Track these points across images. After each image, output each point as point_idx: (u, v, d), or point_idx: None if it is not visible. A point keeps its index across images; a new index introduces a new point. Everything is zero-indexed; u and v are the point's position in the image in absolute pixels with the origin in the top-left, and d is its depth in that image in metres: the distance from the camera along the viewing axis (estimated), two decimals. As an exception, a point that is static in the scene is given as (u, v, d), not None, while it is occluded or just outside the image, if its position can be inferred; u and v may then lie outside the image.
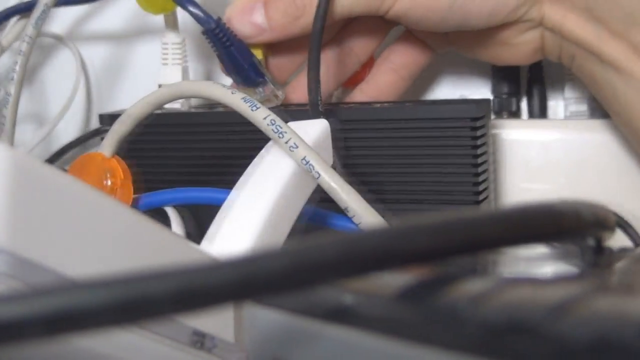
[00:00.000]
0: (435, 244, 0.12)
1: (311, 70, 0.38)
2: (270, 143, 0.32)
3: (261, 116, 0.31)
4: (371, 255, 0.11)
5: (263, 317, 0.16)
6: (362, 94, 0.47)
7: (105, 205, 0.20)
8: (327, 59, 0.45)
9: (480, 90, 0.50)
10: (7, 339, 0.11)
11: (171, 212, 0.37)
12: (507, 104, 0.48)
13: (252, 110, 0.31)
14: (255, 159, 0.32)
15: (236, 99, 0.32)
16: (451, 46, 0.46)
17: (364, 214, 0.30)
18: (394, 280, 0.14)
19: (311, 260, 0.11)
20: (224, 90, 0.32)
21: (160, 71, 0.46)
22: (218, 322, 0.23)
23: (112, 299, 0.10)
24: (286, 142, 0.30)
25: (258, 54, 0.43)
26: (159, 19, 0.47)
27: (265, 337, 0.16)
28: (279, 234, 0.30)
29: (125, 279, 0.11)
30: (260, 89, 0.42)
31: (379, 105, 0.42)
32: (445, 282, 0.14)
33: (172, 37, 0.46)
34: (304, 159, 0.30)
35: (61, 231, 0.18)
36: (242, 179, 0.31)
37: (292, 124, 0.34)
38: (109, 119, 0.45)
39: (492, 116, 0.48)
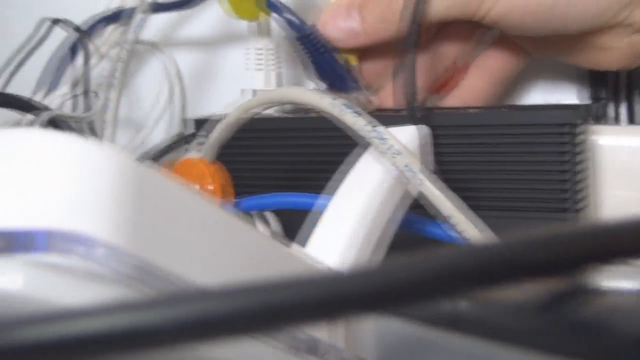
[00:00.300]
0: (576, 254, 0.12)
1: (407, 75, 0.38)
2: (370, 149, 0.32)
3: (362, 122, 0.31)
4: (510, 265, 0.11)
5: (386, 326, 0.16)
6: (456, 99, 0.46)
7: (215, 211, 0.20)
8: (422, 63, 0.45)
9: (575, 95, 0.49)
10: (145, 344, 0.11)
11: (270, 216, 0.38)
12: (605, 109, 0.47)
13: (353, 116, 0.31)
14: (356, 165, 0.32)
15: (337, 106, 0.32)
16: (548, 51, 0.45)
17: (466, 222, 0.30)
18: (525, 291, 0.14)
19: (446, 271, 0.11)
20: (325, 97, 0.32)
21: (254, 77, 0.47)
22: (330, 328, 0.23)
23: (252, 306, 0.10)
24: (388, 149, 0.30)
25: (351, 59, 0.44)
26: (252, 25, 0.47)
27: (389, 346, 0.16)
28: (380, 240, 0.30)
29: (265, 287, 0.11)
30: (354, 95, 0.42)
31: (474, 110, 0.42)
32: (579, 293, 0.14)
33: (265, 43, 0.47)
34: (405, 165, 0.30)
35: (179, 235, 0.19)
36: (342, 185, 0.31)
37: (392, 130, 0.33)
38: (204, 124, 0.46)
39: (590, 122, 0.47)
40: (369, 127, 0.31)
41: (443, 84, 0.47)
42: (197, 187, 0.35)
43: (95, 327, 0.11)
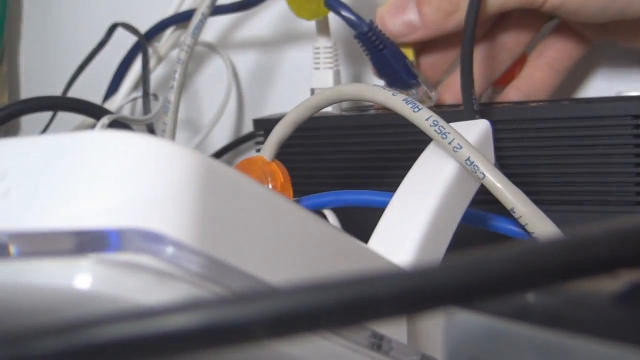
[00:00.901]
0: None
1: (464, 69, 0.38)
2: (431, 144, 0.32)
3: (423, 117, 0.31)
4: (600, 257, 0.11)
5: (452, 318, 0.16)
6: (516, 91, 0.46)
7: (288, 207, 0.20)
8: (480, 55, 0.44)
9: (637, 85, 0.48)
10: (234, 340, 0.11)
11: (330, 215, 0.38)
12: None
13: (414, 111, 0.31)
14: (418, 161, 0.32)
15: (397, 101, 0.32)
16: (609, 37, 0.44)
17: (531, 215, 0.30)
18: (604, 283, 0.14)
19: (536, 263, 0.11)
20: (385, 92, 0.32)
21: (313, 75, 0.47)
22: (394, 324, 0.23)
23: (342, 300, 0.10)
24: (450, 143, 0.30)
25: (409, 54, 0.43)
26: (307, 24, 0.48)
27: (463, 339, 0.15)
28: (443, 235, 0.30)
29: (353, 281, 0.11)
30: (413, 91, 0.42)
31: (534, 104, 0.42)
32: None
33: (323, 42, 0.47)
34: (468, 159, 0.30)
35: (251, 233, 0.19)
36: (405, 180, 0.31)
37: (452, 125, 0.33)
38: (263, 124, 0.46)
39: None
40: (429, 121, 0.31)
41: (502, 76, 0.46)
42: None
43: (175, 324, 0.11)
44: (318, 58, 0.46)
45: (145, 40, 0.56)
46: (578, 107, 0.39)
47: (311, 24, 0.47)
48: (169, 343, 0.11)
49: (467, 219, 0.33)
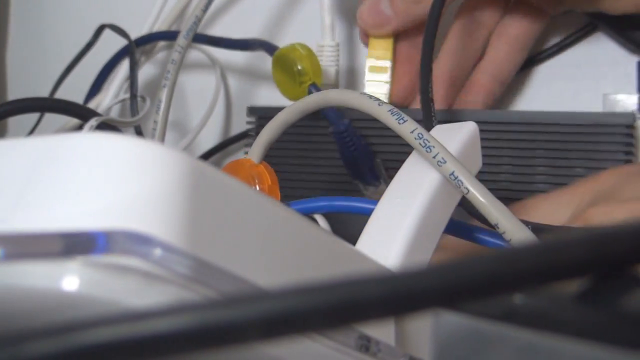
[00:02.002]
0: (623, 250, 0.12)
1: (423, 74, 0.38)
2: (415, 152, 0.32)
3: (408, 129, 0.31)
4: (577, 260, 0.11)
5: (440, 320, 0.16)
6: (483, 73, 0.46)
7: (277, 209, 0.20)
8: (461, 36, 0.46)
9: (624, 88, 0.49)
10: (222, 342, 0.11)
11: (320, 220, 0.38)
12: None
13: (399, 123, 0.31)
14: (404, 165, 0.32)
15: (383, 111, 0.32)
16: (565, 6, 0.45)
17: (514, 231, 0.29)
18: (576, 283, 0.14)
19: (518, 266, 0.11)
20: (371, 101, 0.32)
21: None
22: (381, 326, 0.23)
23: (331, 302, 0.10)
24: (434, 157, 0.30)
25: (389, 50, 0.45)
26: (297, 24, 0.48)
27: (450, 341, 0.16)
28: (430, 238, 0.30)
29: (341, 284, 0.11)
30: (372, 188, 0.45)
31: (500, 110, 0.43)
32: (629, 284, 0.14)
33: (328, 41, 0.48)
34: (452, 173, 0.30)
35: (240, 235, 0.19)
36: (392, 184, 0.31)
37: (440, 127, 0.33)
38: (257, 112, 0.48)
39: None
40: (414, 134, 0.31)
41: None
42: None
43: (163, 327, 0.11)
44: (321, 56, 0.47)
45: (133, 42, 0.56)
46: (545, 114, 0.41)
47: (301, 25, 0.48)
48: (160, 345, 0.11)
49: (453, 230, 0.33)
